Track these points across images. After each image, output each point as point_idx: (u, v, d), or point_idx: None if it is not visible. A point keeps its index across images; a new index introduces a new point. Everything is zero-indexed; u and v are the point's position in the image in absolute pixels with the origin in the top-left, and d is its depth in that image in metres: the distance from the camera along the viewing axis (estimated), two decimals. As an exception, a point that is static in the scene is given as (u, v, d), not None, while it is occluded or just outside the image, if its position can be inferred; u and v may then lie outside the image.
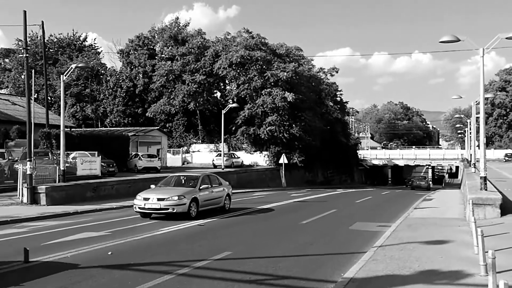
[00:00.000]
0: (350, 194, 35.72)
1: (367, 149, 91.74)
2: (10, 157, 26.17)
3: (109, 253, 10.69)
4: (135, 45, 63.09)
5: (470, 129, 47.95)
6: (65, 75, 24.96)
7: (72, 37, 71.05)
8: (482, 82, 17.46)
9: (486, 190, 17.14)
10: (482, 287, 7.55)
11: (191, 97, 52.60)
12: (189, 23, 63.11)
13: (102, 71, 65.20)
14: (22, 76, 60.91)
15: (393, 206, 24.83)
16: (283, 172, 46.40)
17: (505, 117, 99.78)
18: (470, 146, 46.63)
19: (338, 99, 66.24)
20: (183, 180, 18.65)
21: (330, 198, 29.35)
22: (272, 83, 48.25)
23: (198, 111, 57.00)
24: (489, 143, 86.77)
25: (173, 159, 50.05)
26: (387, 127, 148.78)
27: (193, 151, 54.80)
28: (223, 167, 40.92)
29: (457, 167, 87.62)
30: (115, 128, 52.29)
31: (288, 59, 52.55)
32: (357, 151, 74.51)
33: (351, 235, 14.04)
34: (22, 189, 21.06)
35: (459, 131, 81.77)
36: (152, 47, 63.82)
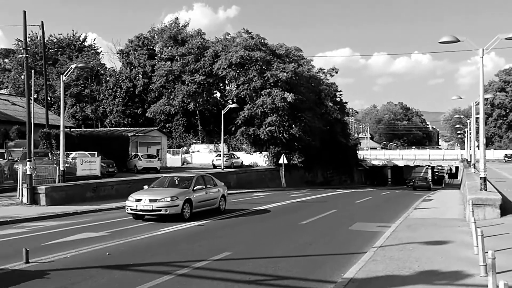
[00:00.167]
0: (349, 194, 35.72)
1: (367, 150, 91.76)
2: (10, 158, 26.15)
3: (107, 253, 10.69)
4: (134, 45, 63.10)
5: (469, 130, 47.96)
6: (65, 76, 24.96)
7: (71, 38, 71.08)
8: (482, 83, 17.46)
9: (485, 190, 17.14)
10: (482, 288, 7.56)
11: (190, 98, 52.59)
12: (188, 24, 63.27)
13: (102, 72, 65.19)
14: (22, 76, 60.93)
15: (393, 206, 24.83)
16: (283, 172, 46.40)
17: (504, 118, 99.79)
18: (470, 147, 46.64)
19: (338, 99, 66.23)
20: (177, 181, 18.25)
21: (330, 199, 29.35)
22: (272, 84, 48.25)
23: (197, 112, 57.01)
24: (488, 143, 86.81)
25: (172, 160, 50.05)
26: (387, 128, 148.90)
27: (193, 152, 54.80)
28: (222, 168, 40.92)
29: (456, 168, 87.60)
30: (115, 129, 52.28)
31: (287, 60, 52.56)
32: (357, 152, 74.49)
33: (351, 236, 14.05)
34: (22, 189, 21.06)
35: (458, 132, 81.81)
36: (151, 47, 63.83)
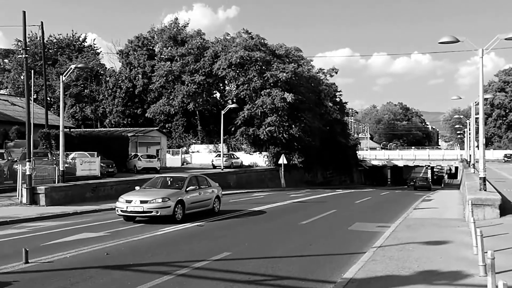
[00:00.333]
0: (349, 194, 35.73)
1: (367, 150, 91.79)
2: (9, 158, 26.15)
3: (106, 254, 10.69)
4: (134, 45, 63.09)
5: (469, 130, 47.99)
6: (65, 76, 24.97)
7: (71, 38, 71.06)
8: (481, 83, 17.47)
9: (485, 190, 17.15)
10: (481, 288, 7.56)
11: (190, 98, 52.61)
12: (188, 24, 63.27)
13: (102, 72, 65.18)
14: (22, 77, 60.93)
15: (393, 206, 24.84)
16: (283, 172, 46.40)
17: (504, 118, 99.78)
18: (470, 147, 46.68)
19: (338, 99, 66.26)
20: (169, 182, 17.84)
21: (330, 199, 29.36)
22: (272, 84, 48.26)
23: (197, 112, 57.03)
24: (488, 143, 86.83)
25: (172, 160, 50.05)
26: (387, 128, 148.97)
27: (193, 152, 54.80)
28: (222, 168, 40.93)
29: (456, 168, 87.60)
30: (115, 129, 52.29)
31: (287, 60, 52.59)
32: (357, 152, 74.52)
33: (350, 236, 14.05)
34: (21, 189, 21.06)
35: (458, 132, 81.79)
36: (151, 47, 63.82)
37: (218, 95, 59.22)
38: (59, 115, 29.58)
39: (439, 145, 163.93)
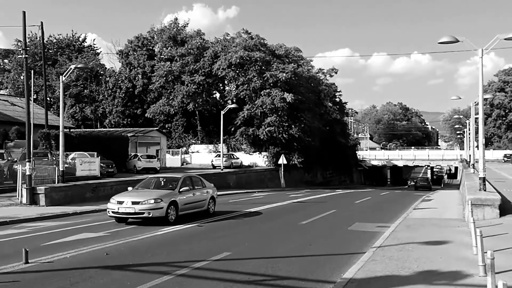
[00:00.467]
0: (349, 194, 35.74)
1: (366, 150, 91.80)
2: (9, 158, 26.16)
3: (105, 254, 10.69)
4: (134, 45, 63.08)
5: (469, 130, 48.01)
6: (64, 76, 24.96)
7: (71, 38, 71.04)
8: (481, 83, 17.48)
9: (485, 190, 17.17)
10: (481, 288, 7.56)
11: (190, 98, 52.60)
12: (188, 24, 63.22)
13: (101, 72, 65.16)
14: (21, 77, 60.89)
15: (392, 206, 24.85)
16: (282, 172, 46.41)
17: (504, 118, 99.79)
18: (469, 147, 46.68)
19: (337, 99, 66.26)
20: (162, 182, 17.50)
21: (329, 199, 29.37)
22: (271, 84, 48.27)
23: (197, 112, 57.02)
24: (488, 143, 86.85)
25: (172, 160, 50.05)
26: (386, 128, 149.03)
27: (192, 152, 54.79)
28: (222, 168, 40.95)
29: (456, 168, 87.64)
30: (114, 129, 52.28)
31: (287, 60, 52.58)
32: (356, 152, 74.53)
33: (350, 236, 14.06)
34: (21, 189, 21.06)
35: (458, 132, 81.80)
36: (151, 47, 63.81)
37: (218, 95, 59.22)
38: (59, 115, 29.58)
39: (439, 145, 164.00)
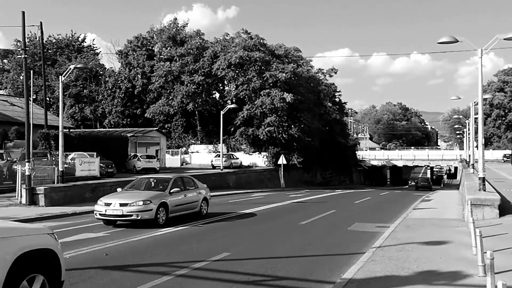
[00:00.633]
0: (349, 194, 35.75)
1: (366, 150, 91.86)
2: (8, 158, 26.13)
3: (105, 254, 10.68)
4: (133, 45, 63.09)
5: (468, 130, 48.03)
6: (64, 76, 24.96)
7: (70, 38, 70.99)
8: (481, 83, 17.49)
9: (484, 190, 17.17)
10: (481, 288, 7.56)
11: (189, 98, 52.62)
12: (187, 24, 63.20)
13: (101, 72, 65.15)
14: (21, 77, 60.86)
15: (392, 206, 24.86)
16: (282, 172, 46.41)
17: (503, 118, 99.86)
18: (469, 147, 46.71)
19: (337, 99, 66.32)
20: (153, 183, 17.02)
21: (329, 199, 29.37)
22: (271, 84, 48.28)
23: (197, 112, 57.02)
24: (487, 143, 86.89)
25: (172, 160, 50.04)
26: (386, 128, 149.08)
27: (192, 152, 54.78)
28: (221, 168, 40.96)
29: (455, 168, 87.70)
30: (114, 129, 52.27)
31: (287, 60, 52.62)
32: (356, 152, 74.58)
33: (350, 236, 14.05)
34: (20, 190, 21.03)
35: (457, 132, 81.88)
36: (150, 47, 63.82)
37: (217, 95, 59.23)
38: (58, 116, 29.54)
39: (439, 145, 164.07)
